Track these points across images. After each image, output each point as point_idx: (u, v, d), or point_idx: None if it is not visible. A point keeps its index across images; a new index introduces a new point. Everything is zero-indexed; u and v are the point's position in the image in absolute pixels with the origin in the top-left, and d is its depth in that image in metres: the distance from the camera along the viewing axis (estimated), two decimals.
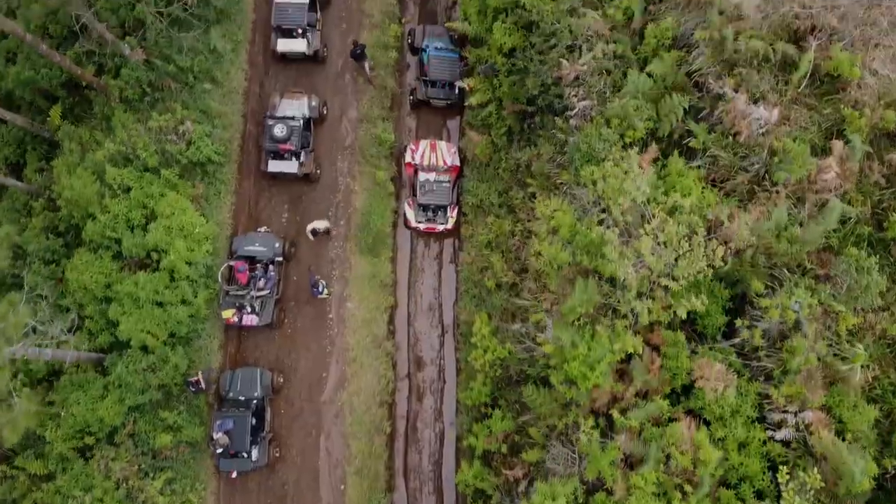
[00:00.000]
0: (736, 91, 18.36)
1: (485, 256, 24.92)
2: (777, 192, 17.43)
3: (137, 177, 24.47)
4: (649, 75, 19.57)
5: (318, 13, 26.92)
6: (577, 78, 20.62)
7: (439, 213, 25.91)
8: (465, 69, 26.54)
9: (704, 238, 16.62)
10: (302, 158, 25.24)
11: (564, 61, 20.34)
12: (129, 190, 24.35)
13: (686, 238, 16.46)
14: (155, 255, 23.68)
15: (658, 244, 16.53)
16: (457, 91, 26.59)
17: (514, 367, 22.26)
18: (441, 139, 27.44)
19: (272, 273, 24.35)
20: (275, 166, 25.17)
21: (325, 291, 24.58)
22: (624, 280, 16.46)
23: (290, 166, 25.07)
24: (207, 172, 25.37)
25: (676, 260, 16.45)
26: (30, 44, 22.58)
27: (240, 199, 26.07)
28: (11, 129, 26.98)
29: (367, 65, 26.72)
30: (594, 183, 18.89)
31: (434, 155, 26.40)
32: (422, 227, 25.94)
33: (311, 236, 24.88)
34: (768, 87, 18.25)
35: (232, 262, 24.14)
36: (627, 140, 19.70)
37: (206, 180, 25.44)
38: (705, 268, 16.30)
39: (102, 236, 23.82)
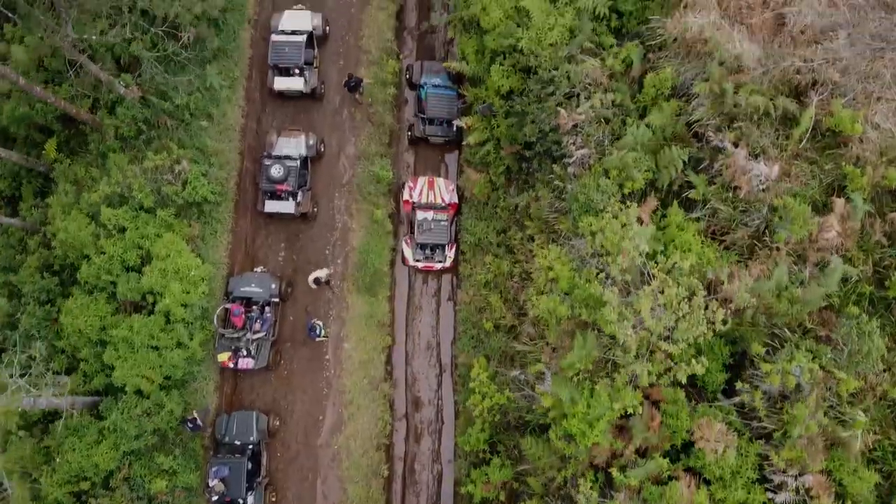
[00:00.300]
0: (736, 146, 18.23)
1: (483, 296, 24.76)
2: (777, 248, 17.29)
3: (133, 216, 24.28)
4: (648, 126, 19.40)
5: (316, 50, 26.74)
6: (575, 126, 20.45)
7: (437, 251, 25.76)
8: (463, 107, 26.39)
9: (704, 299, 16.47)
10: (299, 198, 25.07)
11: (562, 110, 20.20)
12: (124, 230, 24.18)
13: (686, 300, 16.31)
14: (150, 298, 23.50)
15: (658, 305, 16.38)
16: (455, 129, 26.44)
17: (512, 413, 22.11)
18: (439, 175, 27.31)
19: (268, 314, 24.18)
20: (271, 206, 25.00)
21: (323, 333, 24.41)
22: (624, 342, 16.30)
23: (286, 206, 24.90)
24: (204, 212, 25.18)
25: (676, 322, 16.30)
26: (23, 87, 22.42)
27: (236, 237, 25.89)
28: (6, 164, 26.78)
29: (357, 96, 26.66)
30: (593, 234, 18.77)
31: (432, 192, 26.27)
32: (420, 265, 25.78)
33: (313, 285, 24.69)
34: (769, 142, 18.13)
35: (228, 305, 23.96)
36: (626, 191, 19.57)
37: (203, 219, 25.25)
38: (705, 331, 16.15)
39: (97, 278, 23.64)
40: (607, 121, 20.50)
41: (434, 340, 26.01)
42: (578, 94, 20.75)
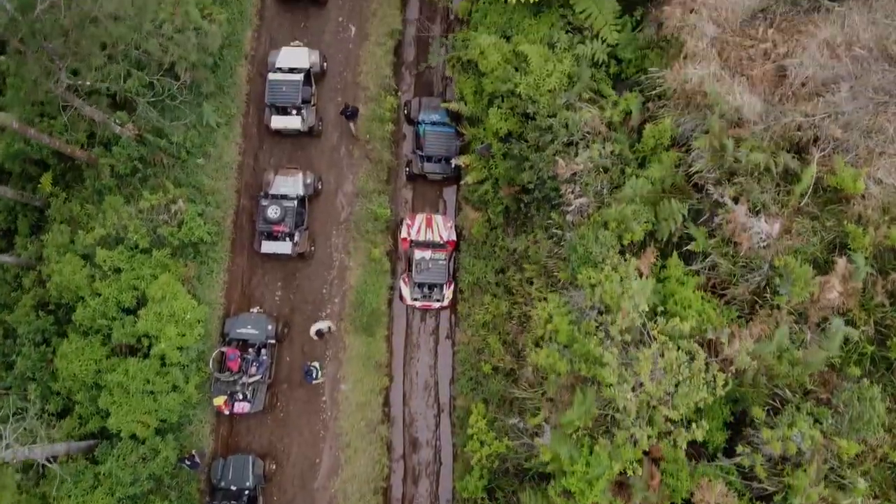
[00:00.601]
0: (736, 201, 18.08)
1: (482, 337, 24.58)
2: (779, 307, 17.12)
3: (128, 257, 24.07)
4: (647, 178, 19.24)
5: (313, 87, 26.55)
6: (574, 174, 20.29)
7: (435, 290, 25.58)
8: (461, 144, 26.21)
9: (705, 361, 16.30)
10: (296, 238, 24.88)
11: (560, 160, 20.04)
12: (119, 271, 23.98)
13: (686, 364, 16.14)
14: (146, 341, 23.32)
15: (657, 369, 16.21)
16: (453, 166, 26.26)
17: (511, 460, 21.93)
18: (437, 211, 27.15)
19: (264, 357, 23.99)
20: (268, 247, 24.80)
21: (319, 375, 24.22)
22: (624, 407, 16.13)
23: (283, 247, 24.71)
24: (200, 251, 24.98)
25: (676, 386, 16.13)
26: (17, 130, 22.23)
27: (232, 276, 25.69)
28: (1, 199, 26.59)
29: (353, 126, 26.54)
30: (592, 287, 18.61)
31: (430, 230, 26.10)
32: (417, 304, 25.60)
33: (315, 337, 24.49)
34: (769, 198, 17.96)
35: (223, 349, 23.77)
36: (625, 242, 19.42)
37: (199, 259, 25.05)
38: (706, 396, 15.98)
39: (92, 320, 23.46)
40: (606, 170, 20.34)
41: (432, 380, 25.83)
42: (577, 143, 20.59)
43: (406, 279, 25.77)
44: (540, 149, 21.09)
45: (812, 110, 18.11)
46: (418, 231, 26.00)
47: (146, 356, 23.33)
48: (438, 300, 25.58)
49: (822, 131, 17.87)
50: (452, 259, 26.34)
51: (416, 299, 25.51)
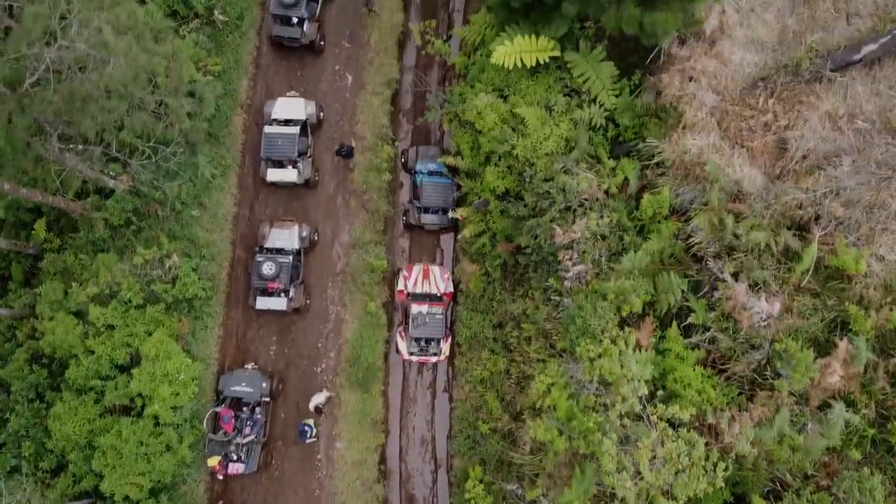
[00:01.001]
0: (736, 278, 17.83)
1: (479, 394, 24.34)
2: (779, 391, 16.87)
3: (122, 313, 23.84)
4: (646, 251, 19.00)
5: (310, 138, 26.30)
6: (572, 241, 20.04)
7: (432, 343, 25.29)
8: (458, 195, 25.96)
9: (705, 450, 16.06)
10: (291, 294, 24.62)
11: (558, 228, 19.78)
12: (113, 327, 23.75)
13: (686, 453, 15.89)
14: (139, 401, 23.08)
15: (657, 458, 15.96)
16: (449, 217, 26.00)
17: None
18: (435, 262, 26.90)
19: (259, 416, 23.74)
20: (263, 303, 24.54)
21: (314, 434, 23.95)
22: (623, 498, 15.88)
23: (278, 303, 24.44)
24: (194, 306, 24.73)
25: (676, 475, 15.88)
26: (8, 192, 21.99)
27: (227, 331, 25.45)
28: None
29: (350, 164, 26.49)
30: (591, 360, 18.37)
31: (427, 282, 25.84)
32: (414, 359, 25.34)
33: (313, 412, 24.16)
34: (770, 275, 17.71)
35: (218, 409, 23.52)
36: (624, 313, 19.16)
37: (193, 314, 24.81)
38: (706, 486, 15.73)
39: (86, 379, 23.24)
40: (604, 237, 20.08)
41: (429, 434, 25.57)
42: (574, 210, 20.34)
43: (402, 333, 25.51)
44: (537, 214, 20.82)
45: (813, 185, 17.88)
46: (415, 283, 25.74)
47: (140, 415, 23.11)
48: (435, 354, 25.31)
49: (824, 209, 17.63)
50: (450, 310, 26.08)
51: (412, 353, 25.24)
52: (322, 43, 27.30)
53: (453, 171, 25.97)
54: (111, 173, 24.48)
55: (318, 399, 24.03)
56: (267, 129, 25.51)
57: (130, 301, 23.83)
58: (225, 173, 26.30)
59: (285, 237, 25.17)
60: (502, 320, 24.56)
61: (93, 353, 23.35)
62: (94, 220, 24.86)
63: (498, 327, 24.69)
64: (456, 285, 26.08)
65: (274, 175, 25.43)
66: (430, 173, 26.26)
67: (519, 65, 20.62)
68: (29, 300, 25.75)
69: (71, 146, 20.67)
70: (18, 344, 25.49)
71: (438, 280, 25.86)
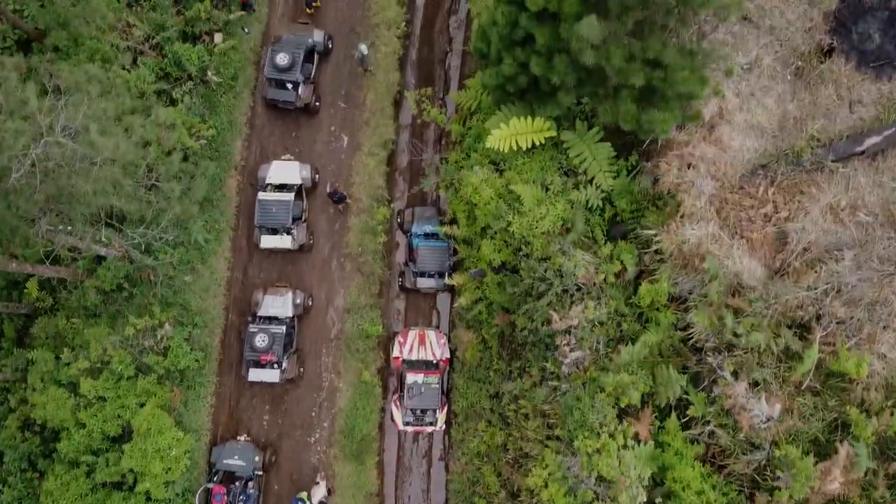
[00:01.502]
0: (735, 376, 17.47)
1: (476, 467, 24.03)
2: (779, 500, 16.50)
3: (113, 385, 23.54)
4: (644, 344, 18.65)
5: (305, 202, 25.98)
6: (569, 327, 19.69)
7: (428, 413, 24.92)
8: (454, 259, 25.60)
9: None
10: (284, 365, 24.26)
11: (555, 315, 19.43)
12: (104, 399, 23.45)
13: None
14: (131, 476, 22.76)
15: None
16: (445, 281, 25.66)
17: None
18: (431, 324, 26.55)
19: (251, 490, 23.40)
20: (256, 375, 24.20)
21: None
22: None
23: (271, 375, 24.09)
24: (186, 376, 24.41)
25: None
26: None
27: (220, 399, 25.12)
28: None
29: (341, 207, 26.45)
30: (589, 455, 18.05)
31: (423, 348, 25.48)
32: (409, 429, 24.97)
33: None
34: (770, 374, 17.35)
35: (210, 485, 23.17)
36: (623, 404, 18.81)
37: (185, 384, 24.50)
38: None
39: (77, 453, 22.95)
40: (602, 324, 19.73)
41: None
42: (572, 294, 19.98)
43: (397, 402, 25.14)
44: (534, 297, 20.47)
45: (814, 282, 17.50)
46: (410, 349, 25.38)
47: (132, 490, 22.83)
48: (431, 423, 24.94)
49: (825, 308, 17.26)
50: (446, 376, 25.72)
51: (408, 423, 24.87)
52: (317, 104, 26.99)
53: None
54: (103, 239, 24.16)
55: (320, 493, 23.55)
56: (261, 195, 25.17)
57: (122, 374, 23.52)
58: (218, 237, 25.98)
59: (279, 304, 24.82)
60: (499, 390, 24.20)
61: (84, 426, 23.08)
62: (86, 288, 24.56)
63: (495, 397, 24.33)
64: (452, 352, 25.71)
65: (268, 242, 25.09)
66: (427, 235, 25.92)
67: (514, 147, 20.30)
68: (21, 363, 25.44)
69: (61, 227, 20.34)
70: (11, 409, 25.26)
71: (434, 345, 25.50)
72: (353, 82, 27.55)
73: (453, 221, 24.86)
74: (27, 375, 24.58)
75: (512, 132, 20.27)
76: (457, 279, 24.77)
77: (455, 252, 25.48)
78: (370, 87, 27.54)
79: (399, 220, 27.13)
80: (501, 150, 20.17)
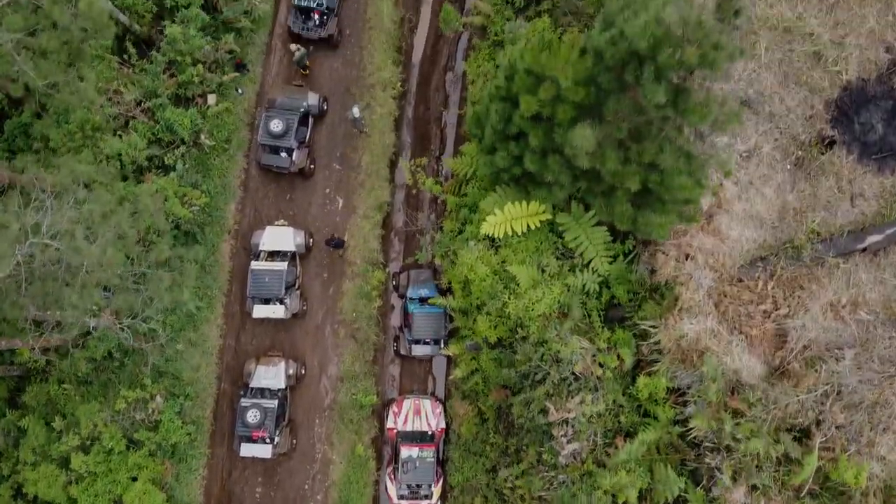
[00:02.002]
0: (734, 479, 17.12)
1: None
2: None
3: (104, 459, 23.24)
4: (643, 442, 18.30)
5: (298, 269, 25.65)
6: (566, 419, 19.35)
7: (423, 487, 24.55)
8: (450, 328, 25.25)
9: None
10: (276, 440, 23.88)
11: (551, 406, 19.10)
12: (96, 474, 23.16)
13: None
14: None
15: None
16: (441, 346, 25.31)
17: None
18: (426, 391, 26.22)
19: None
20: (247, 451, 23.80)
21: None
22: None
23: (264, 451, 23.72)
24: (178, 450, 24.08)
25: None
26: None
27: (211, 472, 24.80)
28: None
29: (340, 252, 26.13)
30: None
31: (418, 418, 25.14)
32: (404, 503, 24.60)
33: None
34: (769, 477, 17.00)
35: None
36: (620, 501, 18.47)
37: (177, 456, 24.15)
38: None
39: None
40: (600, 415, 19.38)
41: None
42: (570, 383, 19.63)
43: (392, 476, 24.79)
44: (530, 384, 20.14)
45: (814, 384, 17.16)
46: (405, 420, 25.03)
47: None
48: (427, 497, 24.58)
49: (825, 413, 16.92)
50: (442, 445, 25.36)
51: (402, 497, 24.51)
52: (312, 167, 26.67)
53: (445, 292, 25.31)
54: (94, 307, 23.84)
55: None
56: (254, 265, 24.83)
57: (112, 448, 23.21)
58: (210, 303, 25.65)
59: (271, 375, 24.49)
60: (496, 464, 23.84)
61: (76, 502, 22.83)
62: (76, 359, 24.23)
63: (492, 471, 23.96)
64: (448, 424, 25.36)
65: (260, 312, 24.74)
66: (422, 300, 25.58)
67: (510, 232, 20.00)
68: (13, 429, 25.12)
69: (48, 312, 20.04)
70: (4, 477, 24.94)
71: (430, 415, 25.16)
72: (348, 144, 27.23)
73: (449, 289, 24.57)
74: (19, 443, 24.30)
75: (507, 217, 19.98)
76: (452, 349, 24.46)
77: (451, 319, 25.14)
78: (365, 149, 27.21)
79: (394, 282, 26.81)
80: (497, 235, 19.86)
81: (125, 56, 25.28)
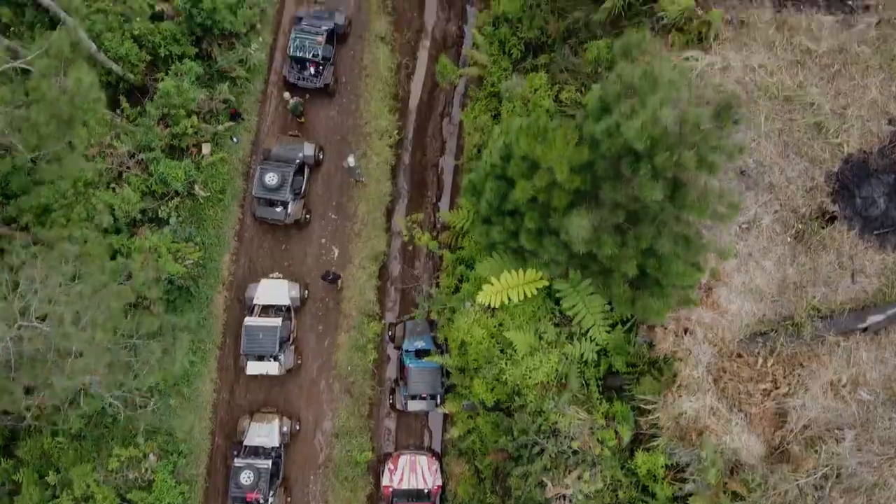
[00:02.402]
0: None
1: None
2: None
3: None
4: None
5: (293, 323, 25.40)
6: (564, 494, 19.08)
7: None
8: (447, 384, 24.97)
9: None
10: (271, 500, 23.59)
11: (549, 483, 18.81)
12: None
13: None
14: None
15: None
16: (438, 403, 25.02)
17: None
18: (423, 446, 25.92)
19: None
20: None
21: None
22: None
23: None
24: None
25: None
26: None
27: None
28: None
29: (338, 285, 26.00)
30: None
31: (413, 475, 24.81)
32: None
33: None
34: None
35: None
36: None
37: None
38: None
39: None
40: (598, 491, 19.09)
41: None
42: (567, 457, 19.35)
43: None
44: (527, 455, 19.85)
45: (814, 466, 16.88)
46: (401, 479, 24.70)
47: None
48: None
49: (825, 498, 16.63)
50: (438, 502, 25.07)
51: None
52: (308, 217, 26.43)
53: (442, 350, 25.06)
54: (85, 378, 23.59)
55: None
56: (247, 321, 24.55)
57: None
58: (204, 357, 25.37)
59: (265, 433, 24.20)
60: None
61: None
62: (69, 417, 23.92)
63: None
64: (444, 483, 25.06)
65: (254, 369, 24.50)
66: (418, 352, 25.31)
67: (506, 301, 19.73)
68: (6, 480, 24.88)
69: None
70: None
71: (426, 472, 24.85)
72: (344, 193, 27.00)
73: (445, 344, 24.30)
74: (13, 500, 24.06)
75: (503, 286, 19.71)
76: (449, 407, 24.18)
77: (448, 374, 24.87)
78: (362, 198, 26.98)
79: (390, 333, 26.55)
80: (493, 305, 19.61)
81: (119, 109, 25.00)
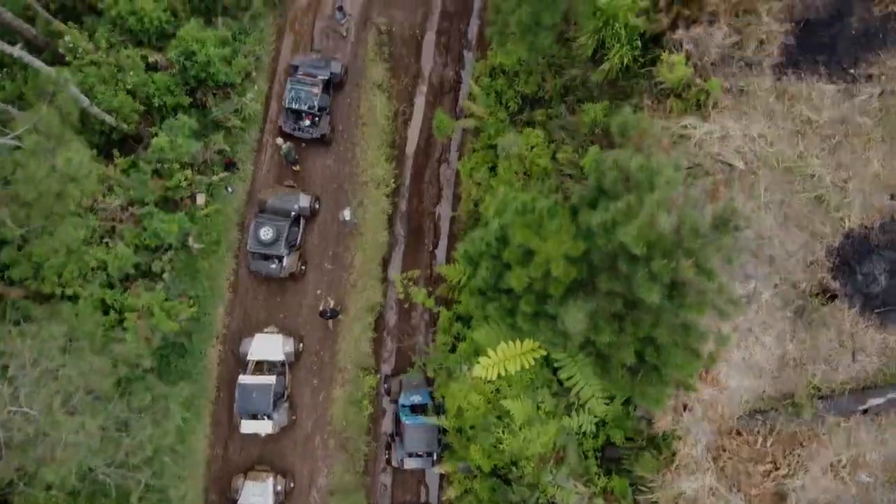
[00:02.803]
0: None
1: None
2: None
3: None
4: None
5: (287, 378, 25.13)
6: None
7: None
8: (444, 442, 24.70)
9: None
10: None
11: None
12: None
13: None
14: None
15: None
16: (434, 460, 24.75)
17: None
18: (420, 500, 25.65)
19: None
20: None
21: None
22: None
23: None
24: None
25: None
26: None
27: None
28: None
29: (331, 323, 25.91)
30: None
31: None
32: None
33: None
34: None
35: None
36: None
37: None
38: None
39: None
40: None
41: None
42: None
43: None
44: None
45: None
46: None
47: None
48: None
49: None
50: None
51: None
52: (303, 268, 26.18)
53: (439, 409, 24.79)
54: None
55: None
56: (241, 379, 24.30)
57: None
58: (198, 413, 25.12)
59: (259, 492, 23.96)
60: None
61: None
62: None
63: None
64: None
65: (248, 428, 24.24)
66: (414, 407, 25.04)
67: (503, 373, 19.44)
68: None
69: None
70: None
71: None
72: (340, 243, 26.73)
73: (442, 402, 24.03)
74: None
75: (500, 358, 19.42)
76: (445, 467, 23.93)
77: (445, 431, 24.60)
78: (358, 248, 26.72)
79: (386, 386, 26.28)
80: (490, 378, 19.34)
81: (112, 165, 24.72)
